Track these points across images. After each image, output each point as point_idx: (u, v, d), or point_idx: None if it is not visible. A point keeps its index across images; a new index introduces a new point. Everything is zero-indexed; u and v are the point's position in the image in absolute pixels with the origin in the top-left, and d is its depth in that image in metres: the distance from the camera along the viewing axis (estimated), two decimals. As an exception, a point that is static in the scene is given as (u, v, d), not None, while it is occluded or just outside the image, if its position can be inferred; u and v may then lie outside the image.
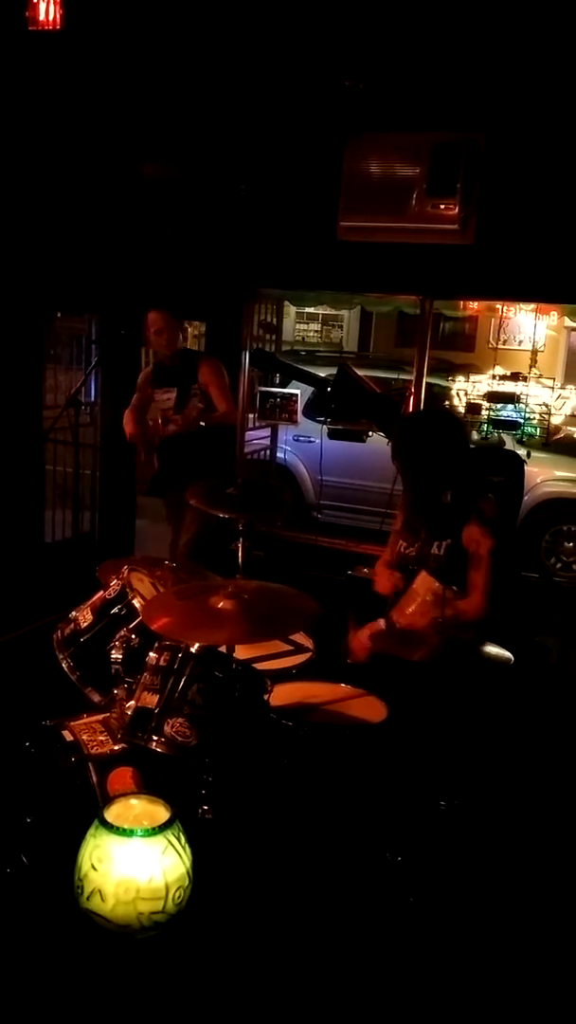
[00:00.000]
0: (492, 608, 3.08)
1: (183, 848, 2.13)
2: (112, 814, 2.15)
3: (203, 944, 2.25)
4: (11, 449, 5.74)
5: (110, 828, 2.08)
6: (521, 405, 8.18)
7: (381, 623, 3.14)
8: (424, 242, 4.64)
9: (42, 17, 3.83)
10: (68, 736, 2.65)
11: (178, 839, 2.12)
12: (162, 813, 2.18)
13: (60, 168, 5.22)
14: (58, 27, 3.87)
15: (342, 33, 4.34)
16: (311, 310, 16.47)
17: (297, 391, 6.11)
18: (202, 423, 4.44)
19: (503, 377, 9.46)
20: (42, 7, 3.81)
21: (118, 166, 5.26)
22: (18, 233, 5.42)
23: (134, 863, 2.04)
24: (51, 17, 3.81)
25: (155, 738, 2.48)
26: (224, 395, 4.62)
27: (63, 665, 2.85)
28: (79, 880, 2.08)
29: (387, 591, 3.28)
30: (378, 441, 5.57)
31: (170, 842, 2.10)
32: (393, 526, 3.53)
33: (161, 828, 2.10)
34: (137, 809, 2.22)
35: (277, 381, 6.67)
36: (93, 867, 2.05)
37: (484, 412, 8.00)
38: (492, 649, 3.33)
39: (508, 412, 8.04)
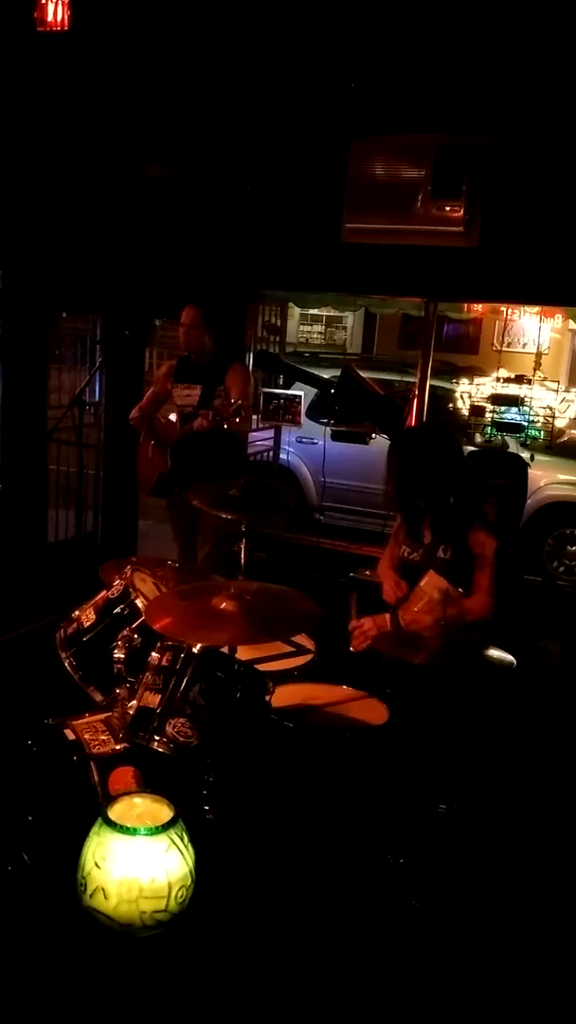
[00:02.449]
0: (498, 609, 3.08)
1: (186, 847, 2.13)
2: (115, 813, 2.15)
3: (205, 943, 2.26)
4: (15, 448, 5.76)
5: (113, 827, 2.09)
6: (525, 408, 8.17)
7: (386, 618, 3.14)
8: (428, 244, 4.64)
9: (50, 18, 3.83)
10: (70, 735, 2.66)
11: (181, 838, 2.13)
12: (165, 812, 2.19)
13: (65, 169, 5.24)
14: (66, 28, 3.88)
15: (347, 36, 4.34)
16: (315, 312, 16.49)
17: (300, 393, 6.12)
18: (226, 425, 4.37)
19: (507, 380, 9.45)
20: (50, 8, 3.81)
21: (123, 167, 5.27)
22: (23, 234, 5.44)
23: (137, 862, 2.05)
24: (59, 18, 3.82)
25: (157, 738, 2.48)
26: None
27: (65, 664, 2.86)
28: (82, 878, 2.09)
29: (391, 600, 3.28)
30: (381, 443, 5.57)
31: (173, 841, 2.10)
32: (393, 527, 3.53)
33: (164, 827, 2.11)
34: (140, 808, 2.23)
35: (280, 382, 6.69)
36: (96, 865, 2.06)
37: (488, 415, 7.98)
38: (494, 652, 3.33)
39: (512, 415, 8.03)
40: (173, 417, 4.73)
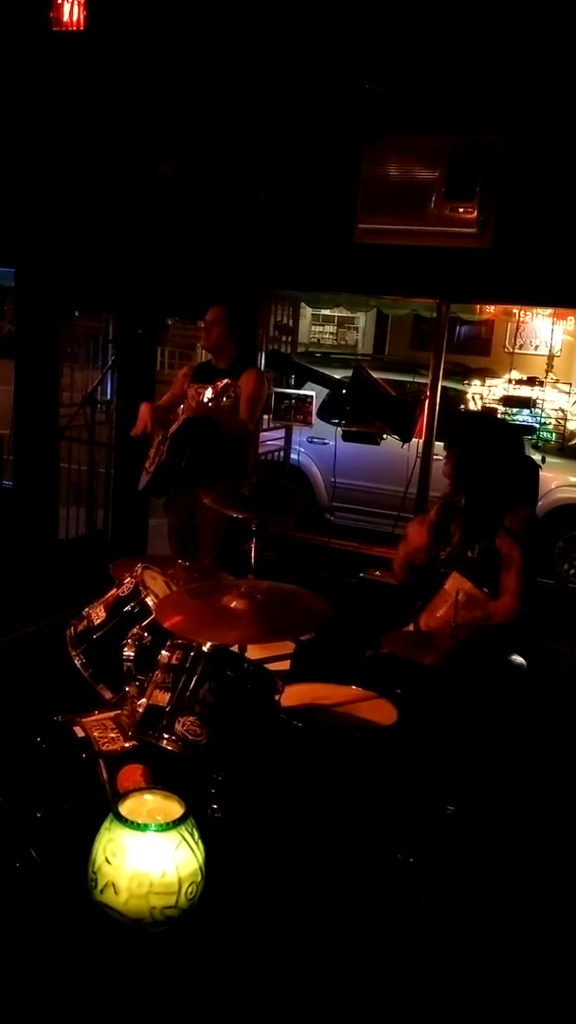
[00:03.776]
0: (523, 612, 3.08)
1: (196, 844, 2.13)
2: (126, 808, 2.16)
3: (214, 940, 2.26)
4: (27, 446, 5.78)
5: (124, 822, 2.09)
6: (537, 410, 8.16)
7: (410, 627, 3.15)
8: (442, 245, 4.63)
9: (66, 18, 3.85)
10: (79, 732, 2.66)
11: (192, 834, 2.13)
12: (176, 808, 2.19)
13: (79, 168, 5.26)
14: (81, 28, 3.89)
15: (362, 37, 4.34)
16: (327, 312, 16.51)
17: (312, 393, 6.11)
18: (210, 405, 4.22)
19: (519, 381, 9.44)
20: (66, 8, 3.83)
21: (137, 167, 5.28)
22: (37, 232, 5.46)
23: (148, 857, 2.05)
24: (75, 18, 3.83)
25: (166, 736, 2.49)
26: (251, 407, 4.44)
27: (76, 661, 2.87)
28: (93, 873, 2.09)
29: (420, 540, 3.28)
30: (392, 444, 5.57)
31: (184, 837, 2.10)
32: (428, 515, 3.49)
33: (175, 823, 2.11)
34: (151, 804, 2.23)
35: (292, 382, 6.68)
36: (107, 860, 2.07)
37: (499, 416, 7.97)
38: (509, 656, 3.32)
39: (524, 417, 8.02)
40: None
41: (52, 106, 5.09)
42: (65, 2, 3.84)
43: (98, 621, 2.90)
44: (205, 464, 4.34)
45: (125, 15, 4.47)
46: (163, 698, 2.53)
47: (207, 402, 4.17)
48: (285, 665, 3.10)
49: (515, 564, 3.09)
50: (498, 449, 3.22)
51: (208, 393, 4.17)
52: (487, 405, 8.29)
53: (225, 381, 4.19)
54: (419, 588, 3.42)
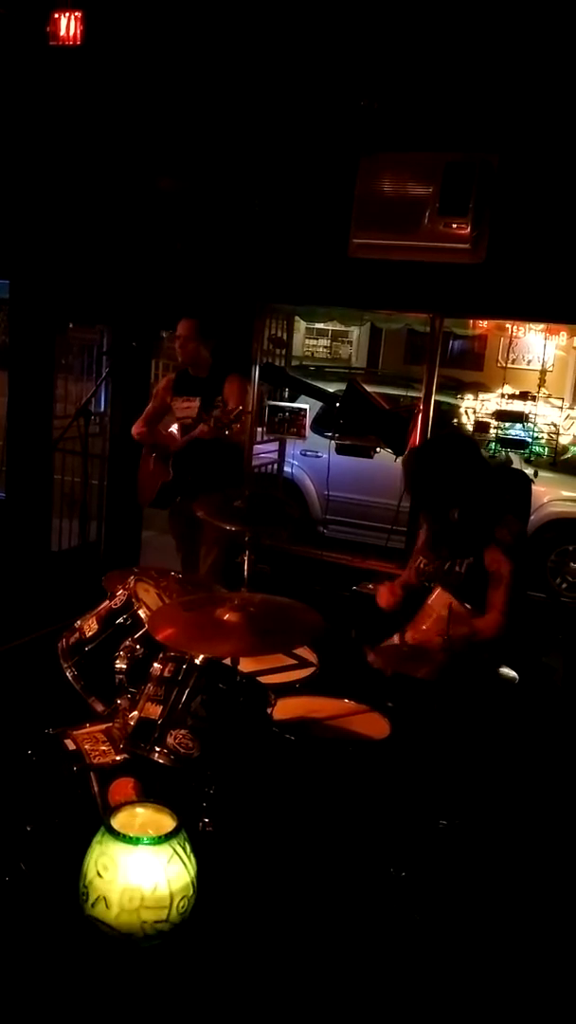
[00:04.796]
0: (509, 629, 3.07)
1: (188, 857, 2.12)
2: (118, 822, 2.15)
3: (206, 954, 2.24)
4: (21, 457, 5.77)
5: (116, 836, 2.08)
6: (529, 424, 8.19)
7: (395, 639, 3.14)
8: (435, 260, 4.65)
9: (63, 32, 3.88)
10: (70, 745, 2.65)
11: (183, 848, 2.12)
12: (168, 822, 2.18)
13: (75, 180, 5.27)
14: (79, 43, 3.92)
15: (358, 53, 4.38)
16: (321, 326, 16.55)
17: (306, 406, 6.12)
18: (227, 432, 4.38)
19: (512, 396, 9.47)
20: (63, 22, 3.86)
21: (132, 180, 5.30)
22: (32, 244, 5.47)
23: (139, 871, 2.04)
24: (72, 33, 3.86)
25: (158, 749, 2.48)
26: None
27: (67, 674, 2.86)
28: (84, 887, 2.08)
29: (387, 604, 3.29)
30: (385, 457, 5.57)
31: (175, 851, 2.10)
32: (416, 545, 3.53)
33: (167, 837, 2.10)
34: (143, 817, 2.22)
35: (286, 395, 6.69)
36: (98, 874, 2.05)
37: (492, 430, 8.00)
38: (501, 669, 3.32)
39: (516, 431, 8.04)
40: (174, 428, 4.77)
41: (49, 119, 5.11)
42: (62, 16, 3.87)
43: (90, 633, 2.90)
44: (207, 475, 4.49)
45: (122, 30, 4.51)
46: (155, 711, 2.52)
47: (227, 432, 4.31)
48: (278, 678, 3.09)
49: (503, 581, 3.08)
50: (455, 468, 3.17)
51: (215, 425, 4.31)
52: (479, 419, 8.30)
53: (236, 409, 4.33)
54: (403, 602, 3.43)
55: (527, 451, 7.79)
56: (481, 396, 9.06)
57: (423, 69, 4.35)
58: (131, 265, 5.43)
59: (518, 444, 7.80)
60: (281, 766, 2.64)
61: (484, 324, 10.19)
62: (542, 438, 8.12)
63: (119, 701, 2.66)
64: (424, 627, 3.09)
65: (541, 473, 7.16)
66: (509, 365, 11.82)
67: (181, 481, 4.65)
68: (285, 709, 2.86)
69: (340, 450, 5.89)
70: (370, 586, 4.72)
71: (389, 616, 3.38)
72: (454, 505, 3.12)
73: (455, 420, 8.18)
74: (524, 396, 9.46)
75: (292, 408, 6.03)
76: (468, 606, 3.05)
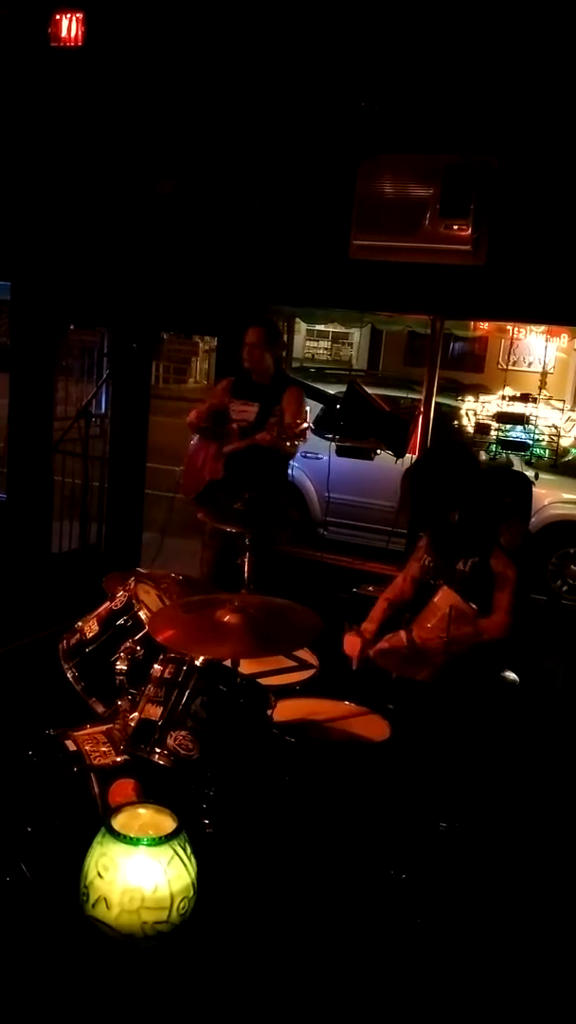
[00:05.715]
0: (514, 630, 3.08)
1: (188, 859, 2.12)
2: (119, 823, 2.15)
3: (206, 955, 2.24)
4: (21, 459, 5.78)
5: (117, 837, 2.08)
6: (530, 426, 8.19)
7: (402, 635, 3.14)
8: (436, 262, 4.66)
9: (64, 34, 3.88)
10: (71, 746, 2.65)
11: (184, 849, 2.12)
12: (168, 823, 2.18)
13: (76, 182, 5.28)
14: (80, 44, 3.92)
15: (358, 55, 4.39)
16: (321, 327, 16.58)
17: (306, 408, 6.12)
18: (288, 444, 4.34)
19: (512, 398, 9.48)
20: (64, 24, 3.86)
21: (133, 182, 5.31)
22: (33, 246, 5.48)
23: (140, 872, 2.04)
24: (73, 34, 3.86)
25: (158, 750, 2.47)
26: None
27: (68, 675, 2.86)
28: (84, 887, 2.08)
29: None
30: (386, 459, 5.57)
31: (176, 852, 2.09)
32: (416, 547, 3.52)
33: (167, 838, 2.10)
34: (143, 818, 2.22)
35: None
36: (99, 875, 2.05)
37: (493, 432, 8.01)
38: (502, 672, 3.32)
39: (517, 433, 8.05)
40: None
41: (50, 121, 5.12)
42: (63, 18, 3.87)
43: (91, 635, 2.90)
44: (258, 480, 4.42)
45: (123, 31, 4.51)
46: (155, 712, 2.52)
47: (288, 444, 4.30)
48: (278, 680, 3.09)
49: (509, 583, 3.09)
50: (450, 475, 3.17)
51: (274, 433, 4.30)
52: (480, 421, 8.31)
53: (303, 426, 4.32)
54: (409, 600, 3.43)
55: (528, 453, 7.80)
56: (482, 398, 9.07)
57: (423, 71, 4.35)
58: (131, 267, 5.44)
59: (519, 446, 7.82)
60: (281, 768, 2.64)
61: (485, 326, 10.21)
62: (543, 440, 8.13)
63: (119, 702, 2.66)
64: (429, 625, 3.09)
65: (542, 475, 7.15)
66: (510, 367, 11.82)
67: (231, 481, 4.55)
68: (285, 711, 2.86)
69: (340, 452, 5.89)
70: (370, 588, 4.73)
71: (391, 617, 3.39)
72: (453, 508, 3.13)
73: (456, 422, 8.18)
74: (525, 398, 9.48)
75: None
76: (474, 606, 3.05)
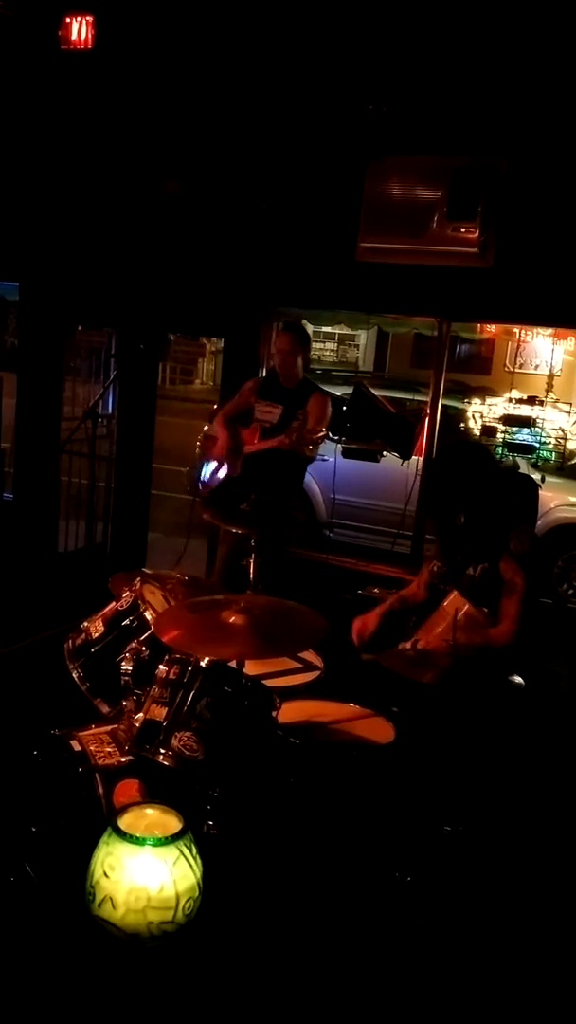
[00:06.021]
0: (522, 638, 3.07)
1: (194, 859, 2.12)
2: (124, 823, 2.15)
3: (212, 955, 2.25)
4: (28, 459, 5.79)
5: (123, 836, 2.08)
6: (537, 429, 8.17)
7: (408, 644, 3.14)
8: (443, 265, 4.66)
9: (74, 37, 3.89)
10: (76, 746, 2.65)
11: (190, 850, 2.12)
12: (174, 823, 2.18)
13: (84, 184, 5.29)
14: (89, 47, 3.93)
15: (367, 57, 4.39)
16: (328, 329, 16.55)
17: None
18: (306, 449, 4.41)
19: (519, 400, 9.46)
20: (75, 27, 3.87)
21: (141, 183, 5.32)
22: (41, 247, 5.49)
23: (146, 872, 2.04)
24: (83, 37, 3.88)
25: (162, 751, 2.48)
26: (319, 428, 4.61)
27: (73, 675, 2.86)
28: (90, 887, 2.08)
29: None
30: (392, 461, 5.57)
31: (182, 852, 2.10)
32: (426, 553, 3.54)
33: (173, 838, 2.11)
34: (149, 818, 2.22)
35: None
36: (105, 875, 2.06)
37: (499, 435, 7.99)
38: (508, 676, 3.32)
39: (523, 436, 8.03)
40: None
41: (58, 123, 5.13)
42: (73, 21, 3.89)
43: (96, 635, 2.90)
44: (274, 482, 4.51)
45: (132, 34, 4.52)
46: (160, 713, 2.52)
47: (305, 451, 4.36)
48: (283, 682, 3.09)
49: (518, 590, 3.09)
50: (467, 473, 3.18)
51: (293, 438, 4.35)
52: (487, 423, 8.30)
53: (322, 435, 4.44)
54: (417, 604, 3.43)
55: (534, 456, 7.78)
56: (488, 401, 9.05)
57: (431, 74, 4.35)
58: (139, 268, 5.45)
59: (525, 449, 7.80)
60: (285, 770, 2.64)
61: (492, 328, 10.19)
62: (549, 443, 8.11)
63: (124, 703, 2.66)
64: (438, 630, 3.09)
65: (548, 478, 7.14)
66: (516, 370, 11.79)
67: (248, 479, 4.59)
68: (290, 712, 2.86)
69: (346, 454, 5.90)
70: (376, 590, 4.73)
71: (398, 611, 3.40)
72: (460, 510, 3.12)
73: (462, 424, 8.17)
74: (531, 401, 9.45)
75: (299, 411, 6.02)
76: (485, 610, 3.05)
